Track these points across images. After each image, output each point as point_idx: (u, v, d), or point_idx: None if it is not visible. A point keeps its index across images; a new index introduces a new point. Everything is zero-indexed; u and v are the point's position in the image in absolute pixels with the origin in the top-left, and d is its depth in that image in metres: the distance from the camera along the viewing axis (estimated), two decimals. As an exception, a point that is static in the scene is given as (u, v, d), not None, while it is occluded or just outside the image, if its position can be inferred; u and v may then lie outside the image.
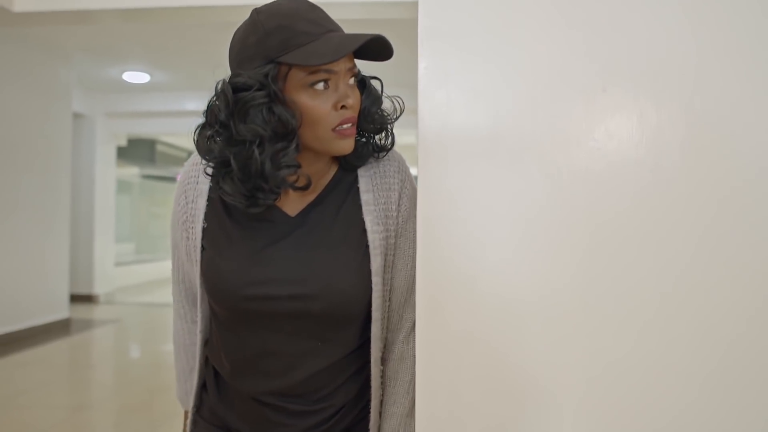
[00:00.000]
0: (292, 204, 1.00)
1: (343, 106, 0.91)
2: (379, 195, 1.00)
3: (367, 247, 0.98)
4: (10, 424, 3.56)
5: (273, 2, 0.93)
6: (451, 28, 0.80)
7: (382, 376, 1.03)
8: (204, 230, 1.00)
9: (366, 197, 1.00)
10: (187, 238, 1.02)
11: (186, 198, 1.02)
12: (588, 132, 0.77)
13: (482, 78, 0.79)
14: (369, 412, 1.02)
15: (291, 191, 0.99)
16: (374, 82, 1.01)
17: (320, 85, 0.90)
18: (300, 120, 0.90)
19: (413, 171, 1.00)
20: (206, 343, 1.06)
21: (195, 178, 1.02)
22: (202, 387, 1.08)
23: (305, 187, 0.95)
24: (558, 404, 0.79)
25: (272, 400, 0.99)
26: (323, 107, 0.90)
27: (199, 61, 5.92)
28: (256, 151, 0.89)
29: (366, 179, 1.01)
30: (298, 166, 0.92)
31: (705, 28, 0.75)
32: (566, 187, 0.77)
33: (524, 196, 0.78)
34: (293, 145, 0.91)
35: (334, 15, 0.95)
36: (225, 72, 0.94)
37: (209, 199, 1.00)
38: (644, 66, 0.76)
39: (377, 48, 0.91)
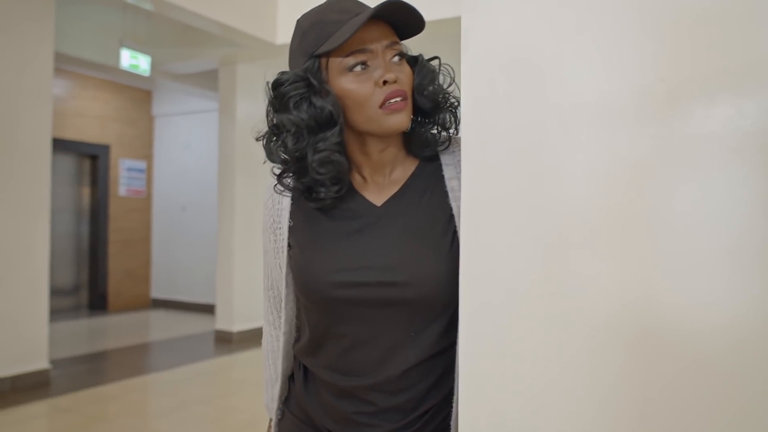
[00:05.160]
0: (378, 194, 1.00)
1: (385, 82, 0.91)
2: None
3: (455, 233, 0.95)
4: (243, 404, 4.09)
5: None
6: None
7: None
8: (290, 228, 1.02)
9: (452, 184, 0.98)
10: (275, 240, 1.05)
11: (273, 200, 1.06)
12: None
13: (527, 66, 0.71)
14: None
15: (371, 181, 1.00)
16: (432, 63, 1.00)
17: (358, 68, 0.92)
18: (342, 107, 0.93)
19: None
20: (294, 342, 1.08)
21: None
22: (290, 378, 1.10)
23: (339, 184, 0.97)
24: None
25: (362, 394, 0.98)
26: (365, 87, 0.92)
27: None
28: (297, 141, 0.93)
29: (451, 167, 1.00)
30: (336, 151, 0.94)
31: None
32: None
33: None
34: (333, 132, 0.93)
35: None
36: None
37: (293, 197, 1.03)
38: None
39: (404, 17, 0.91)
